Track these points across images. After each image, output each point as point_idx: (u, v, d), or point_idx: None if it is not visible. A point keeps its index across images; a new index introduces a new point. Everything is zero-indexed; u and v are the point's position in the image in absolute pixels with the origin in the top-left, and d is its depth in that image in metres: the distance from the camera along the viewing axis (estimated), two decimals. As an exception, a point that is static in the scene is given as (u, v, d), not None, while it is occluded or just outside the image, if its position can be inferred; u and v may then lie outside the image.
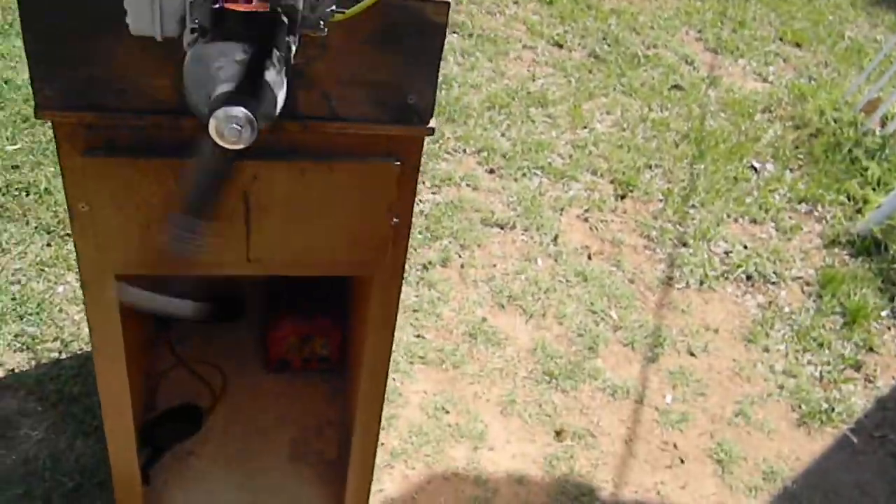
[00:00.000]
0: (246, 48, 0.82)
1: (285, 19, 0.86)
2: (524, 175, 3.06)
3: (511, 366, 2.31)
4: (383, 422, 2.04)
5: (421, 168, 3.12)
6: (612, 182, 3.13)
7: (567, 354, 2.39)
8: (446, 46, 3.72)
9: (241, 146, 0.80)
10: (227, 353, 1.91)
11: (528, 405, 2.21)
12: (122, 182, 1.04)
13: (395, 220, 1.16)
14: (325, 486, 1.67)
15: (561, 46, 3.99)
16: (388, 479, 1.95)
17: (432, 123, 1.10)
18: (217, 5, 0.81)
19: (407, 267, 2.52)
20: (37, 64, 0.93)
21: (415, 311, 2.40)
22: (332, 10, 0.90)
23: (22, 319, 2.07)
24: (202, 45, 0.82)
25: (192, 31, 0.83)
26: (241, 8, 0.81)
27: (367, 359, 1.35)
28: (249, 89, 0.81)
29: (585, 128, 3.42)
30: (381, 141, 1.09)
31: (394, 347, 2.26)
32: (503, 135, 3.26)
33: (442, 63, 3.59)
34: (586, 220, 2.93)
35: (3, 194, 2.38)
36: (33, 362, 1.98)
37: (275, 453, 1.74)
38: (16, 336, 2.03)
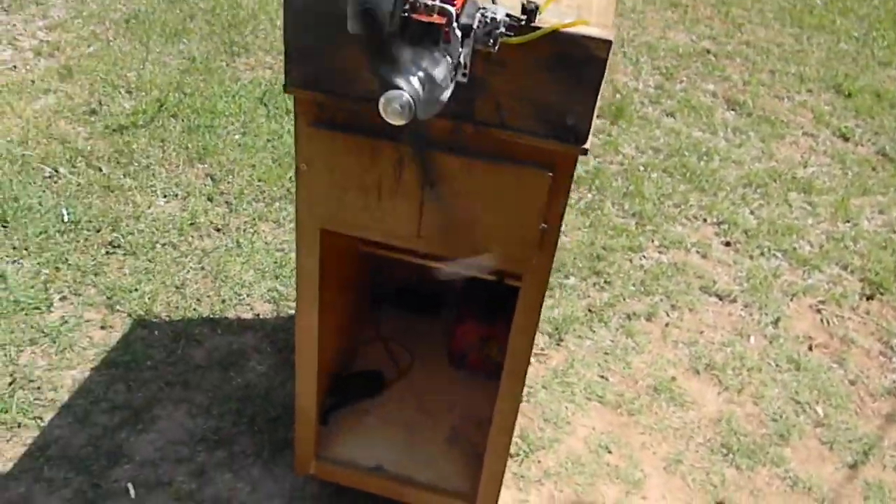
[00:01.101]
0: (423, 51, 1.05)
1: (459, 33, 1.08)
2: (762, 254, 2.99)
3: (689, 429, 2.29)
4: (545, 442, 2.17)
5: (654, 228, 3.17)
6: (861, 280, 2.94)
7: (753, 434, 2.31)
8: (719, 120, 3.76)
9: (399, 122, 1.03)
10: (420, 341, 2.16)
11: (694, 470, 2.18)
12: (335, 152, 1.33)
13: (543, 225, 1.32)
14: (470, 473, 1.84)
15: (847, 139, 3.80)
16: (536, 494, 2.06)
17: (587, 145, 1.25)
18: (406, 15, 1.05)
19: (611, 313, 2.63)
20: (290, 51, 1.25)
21: (606, 353, 2.48)
22: (501, 32, 1.11)
23: (277, 279, 2.51)
24: (393, 45, 1.07)
25: (390, 34, 1.08)
26: (424, 19, 1.05)
27: (508, 358, 1.51)
28: (417, 82, 1.03)
29: (849, 222, 3.24)
30: (539, 153, 1.26)
31: (575, 381, 2.38)
32: (752, 212, 3.21)
33: (710, 136, 3.62)
34: (819, 311, 2.78)
35: (293, 181, 2.89)
36: (276, 313, 2.40)
37: (435, 433, 1.94)
38: (269, 290, 2.47)
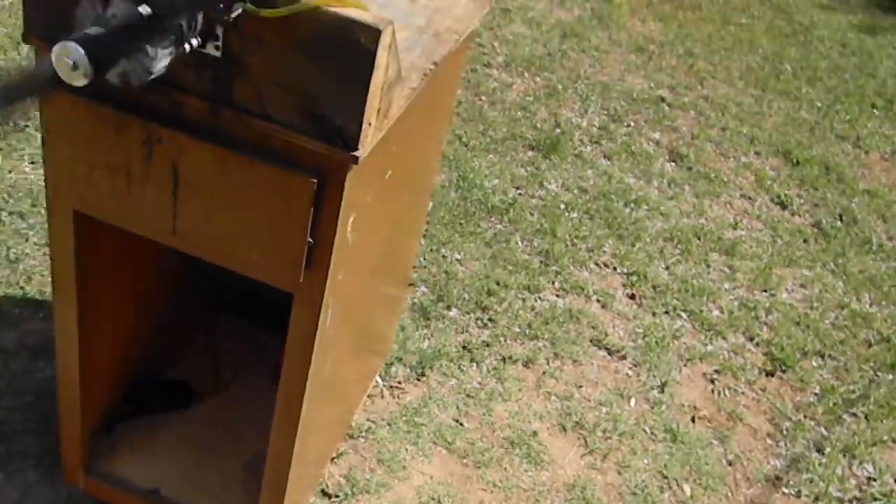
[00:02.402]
0: (114, 4, 0.87)
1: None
2: (666, 313, 2.82)
3: (537, 492, 2.10)
4: (372, 486, 1.97)
5: (559, 269, 2.99)
6: (765, 354, 2.77)
7: (606, 506, 2.12)
8: (657, 170, 3.61)
9: (72, 83, 0.85)
10: (254, 355, 1.97)
11: (530, 536, 1.99)
12: (78, 119, 1.13)
13: (310, 240, 1.13)
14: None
15: (784, 207, 3.66)
16: (344, 542, 1.85)
17: (359, 153, 1.06)
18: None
19: (486, 353, 2.44)
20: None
21: (469, 395, 2.29)
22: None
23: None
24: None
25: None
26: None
27: (280, 388, 1.31)
28: (106, 40, 0.85)
29: (766, 291, 3.08)
30: (306, 155, 1.08)
31: (426, 422, 2.18)
32: (667, 268, 3.05)
33: (643, 184, 3.45)
34: (712, 381, 2.61)
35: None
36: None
37: (236, 458, 1.74)
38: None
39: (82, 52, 0.82)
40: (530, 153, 3.53)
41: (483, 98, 3.82)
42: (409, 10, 1.47)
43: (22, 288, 2.16)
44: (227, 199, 1.13)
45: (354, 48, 0.98)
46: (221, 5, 0.93)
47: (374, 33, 0.97)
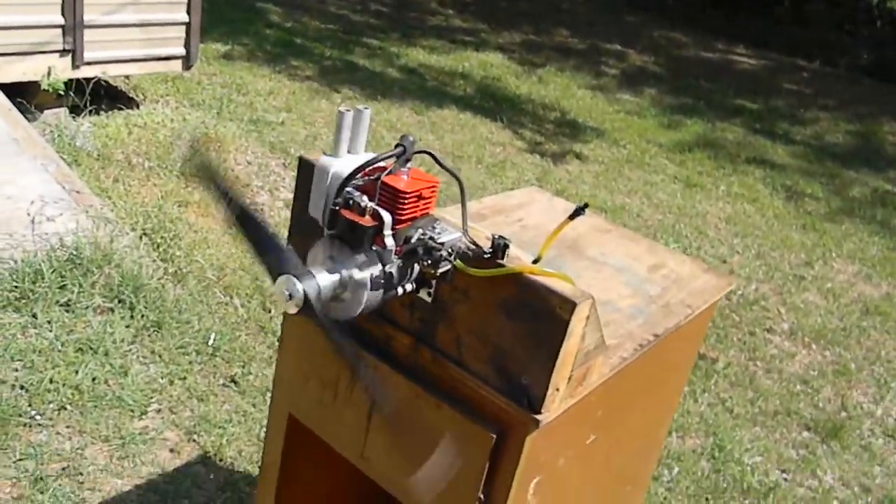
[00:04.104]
0: (346, 249, 0.97)
1: (392, 242, 0.98)
2: None
3: None
4: None
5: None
6: None
7: None
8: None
9: (287, 310, 0.95)
10: None
11: None
12: (305, 336, 1.25)
13: (480, 496, 1.09)
14: None
15: None
16: None
17: (542, 417, 1.03)
18: (336, 208, 0.99)
19: None
20: (290, 234, 1.24)
21: None
22: (442, 257, 0.99)
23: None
24: (326, 234, 1.01)
25: (326, 225, 1.02)
26: (351, 217, 0.97)
27: None
28: (327, 278, 0.95)
29: None
30: (488, 407, 1.07)
31: None
32: None
33: None
34: None
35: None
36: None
37: None
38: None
39: (300, 287, 0.93)
40: (805, 434, 3.16)
41: (758, 364, 3.55)
42: (646, 277, 1.46)
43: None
44: (412, 434, 1.15)
45: (550, 315, 0.99)
46: (429, 262, 0.99)
47: (570, 304, 0.97)
